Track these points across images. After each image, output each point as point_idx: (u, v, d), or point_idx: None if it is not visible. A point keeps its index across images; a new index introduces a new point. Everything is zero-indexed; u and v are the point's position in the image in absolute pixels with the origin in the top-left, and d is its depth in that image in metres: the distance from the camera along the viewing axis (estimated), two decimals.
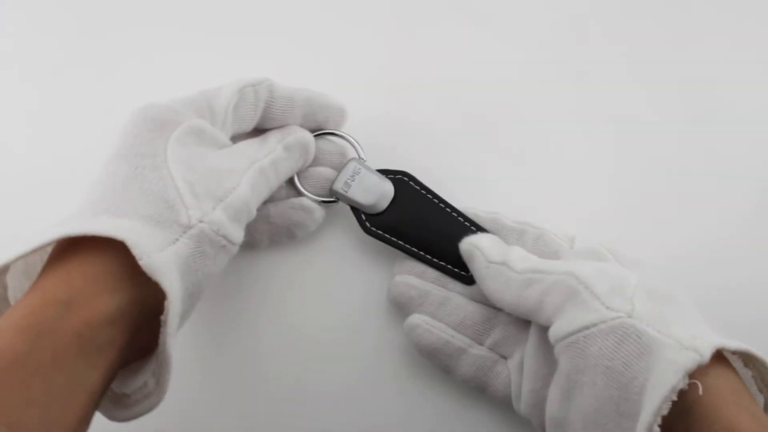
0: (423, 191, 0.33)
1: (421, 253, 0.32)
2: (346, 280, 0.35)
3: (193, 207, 0.24)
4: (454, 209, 0.33)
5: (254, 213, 0.28)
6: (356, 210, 0.33)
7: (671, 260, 0.35)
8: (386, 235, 0.32)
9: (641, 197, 0.36)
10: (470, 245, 0.30)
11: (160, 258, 0.22)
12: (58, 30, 0.39)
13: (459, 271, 0.32)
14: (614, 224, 0.36)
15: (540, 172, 0.36)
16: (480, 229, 0.32)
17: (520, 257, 0.29)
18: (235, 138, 0.31)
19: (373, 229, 0.32)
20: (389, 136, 0.37)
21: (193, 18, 0.39)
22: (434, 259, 0.32)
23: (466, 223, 0.32)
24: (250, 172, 0.28)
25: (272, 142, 0.30)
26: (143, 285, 0.22)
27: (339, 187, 0.32)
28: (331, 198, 0.33)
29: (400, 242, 0.32)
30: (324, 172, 0.33)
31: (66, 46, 0.38)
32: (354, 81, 0.38)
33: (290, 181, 0.33)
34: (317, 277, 0.35)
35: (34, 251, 0.21)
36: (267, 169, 0.29)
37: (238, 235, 0.27)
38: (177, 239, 0.23)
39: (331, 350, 0.34)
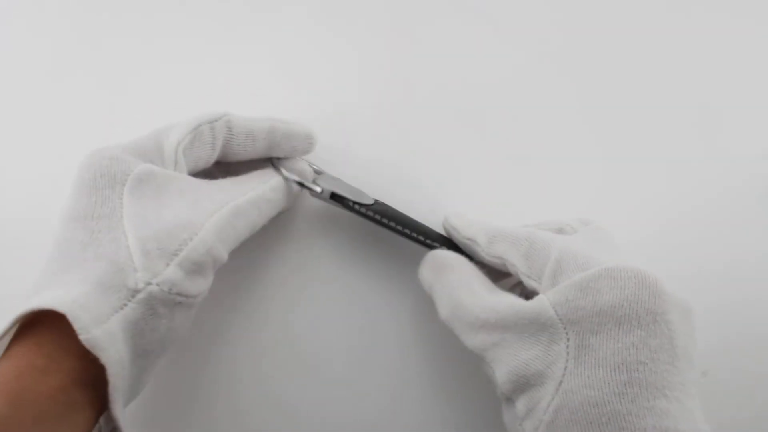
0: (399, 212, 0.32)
1: (414, 234, 0.31)
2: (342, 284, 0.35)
3: (142, 268, 0.24)
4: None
5: (225, 257, 0.27)
6: (340, 197, 0.31)
7: (667, 252, 0.35)
8: (377, 216, 0.31)
9: (641, 195, 0.36)
10: (448, 224, 0.32)
11: (100, 332, 0.21)
12: (56, 36, 0.39)
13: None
14: (614, 223, 0.36)
15: (540, 170, 0.36)
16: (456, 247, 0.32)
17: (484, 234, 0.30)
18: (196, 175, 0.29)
19: (363, 210, 0.31)
20: (388, 135, 0.37)
21: (191, 23, 0.38)
22: (427, 240, 0.31)
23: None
24: (218, 215, 0.26)
25: (253, 182, 0.30)
26: None
27: (324, 185, 0.31)
28: (314, 186, 0.31)
29: (391, 224, 0.31)
30: (300, 163, 0.32)
31: (65, 51, 0.38)
32: (353, 81, 0.38)
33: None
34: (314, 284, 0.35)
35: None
36: (245, 207, 0.28)
37: (197, 287, 0.26)
38: (125, 305, 0.23)
39: (331, 353, 0.35)
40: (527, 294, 0.27)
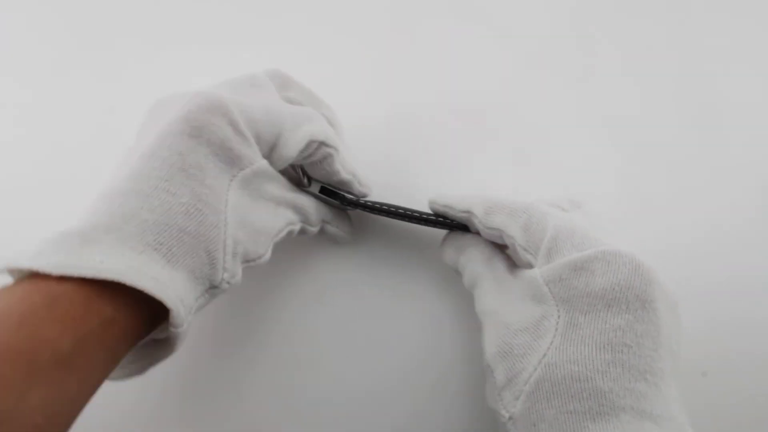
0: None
1: (416, 214, 0.31)
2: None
3: (228, 269, 0.25)
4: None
5: None
6: (330, 191, 0.31)
7: (669, 253, 0.35)
8: (368, 203, 0.31)
9: (641, 195, 0.36)
10: (437, 205, 0.31)
11: (186, 325, 0.23)
12: (57, 38, 0.39)
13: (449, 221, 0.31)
14: (614, 222, 0.36)
15: (540, 171, 0.37)
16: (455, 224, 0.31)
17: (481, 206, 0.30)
18: None
19: (361, 201, 0.31)
20: (388, 136, 0.37)
21: (193, 21, 0.39)
22: (423, 216, 0.31)
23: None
24: (282, 234, 0.29)
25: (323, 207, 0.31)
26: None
27: (313, 184, 0.31)
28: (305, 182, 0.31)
29: (391, 209, 0.31)
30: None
31: (64, 53, 0.38)
32: (353, 81, 0.38)
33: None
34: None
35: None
36: (297, 227, 0.30)
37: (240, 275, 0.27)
38: (202, 295, 0.25)
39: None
40: (522, 266, 0.28)
